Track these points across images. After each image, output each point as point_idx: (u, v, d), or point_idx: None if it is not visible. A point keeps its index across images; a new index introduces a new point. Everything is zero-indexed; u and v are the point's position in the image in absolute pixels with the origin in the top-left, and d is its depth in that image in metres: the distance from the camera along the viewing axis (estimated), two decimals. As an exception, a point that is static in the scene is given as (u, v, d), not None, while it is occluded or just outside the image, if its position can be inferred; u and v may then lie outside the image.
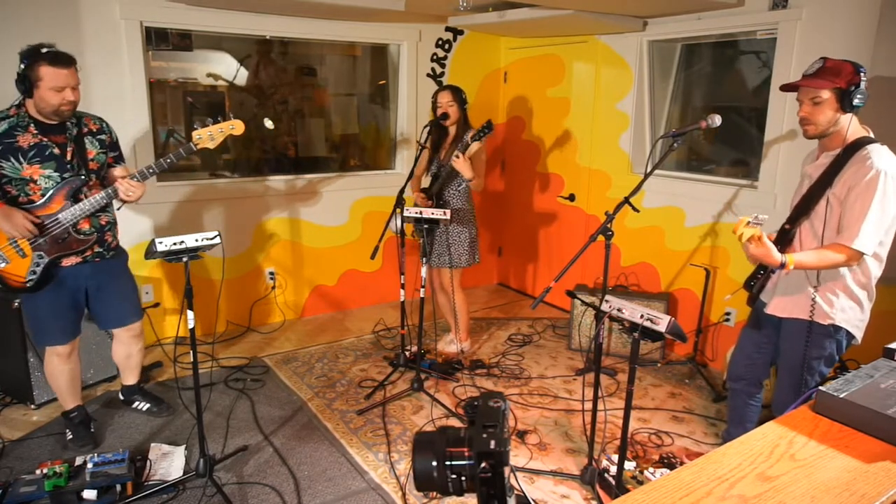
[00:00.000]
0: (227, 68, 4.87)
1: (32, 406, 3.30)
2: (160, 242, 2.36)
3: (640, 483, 2.76)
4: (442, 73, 4.97)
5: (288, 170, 4.96)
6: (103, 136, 2.85)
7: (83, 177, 2.71)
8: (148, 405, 3.29)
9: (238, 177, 4.59)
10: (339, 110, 5.42)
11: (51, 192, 2.63)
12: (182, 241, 2.39)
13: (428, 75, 4.91)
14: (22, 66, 2.52)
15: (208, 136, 2.73)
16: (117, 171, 2.89)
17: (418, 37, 4.76)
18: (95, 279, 2.87)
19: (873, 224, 2.15)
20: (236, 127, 2.78)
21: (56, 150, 2.65)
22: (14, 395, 3.37)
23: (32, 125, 2.62)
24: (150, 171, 2.70)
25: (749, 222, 2.14)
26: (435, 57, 4.91)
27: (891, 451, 1.37)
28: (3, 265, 2.62)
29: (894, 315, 3.00)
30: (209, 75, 4.84)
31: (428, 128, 3.75)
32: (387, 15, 4.20)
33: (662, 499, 1.20)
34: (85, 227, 2.75)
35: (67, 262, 2.75)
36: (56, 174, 2.65)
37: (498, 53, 5.24)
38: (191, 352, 2.54)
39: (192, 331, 2.55)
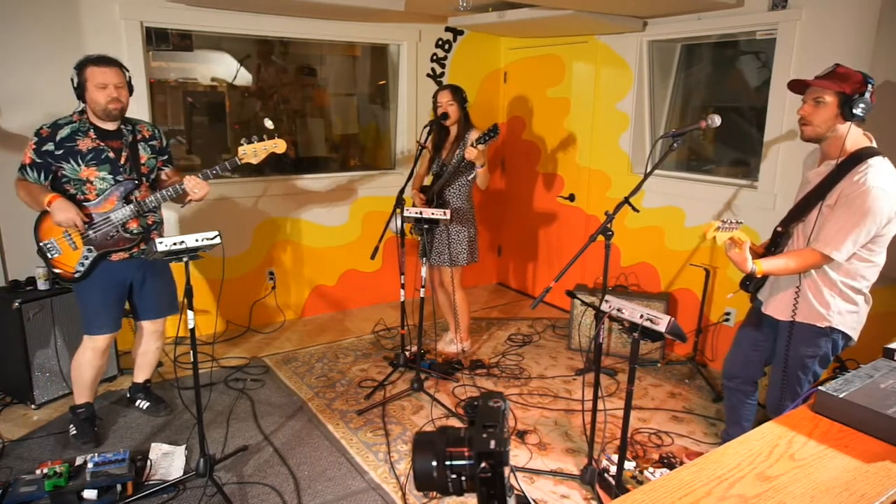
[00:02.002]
0: (227, 68, 4.87)
1: (33, 406, 3.30)
2: (160, 242, 2.37)
3: (640, 483, 2.77)
4: (442, 74, 4.97)
5: (288, 170, 4.96)
6: (154, 142, 3.01)
7: (136, 181, 2.87)
8: (148, 404, 3.31)
9: (238, 177, 4.58)
10: (339, 110, 5.42)
11: (105, 192, 2.80)
12: (182, 241, 2.40)
13: (428, 75, 4.91)
14: (74, 74, 2.72)
15: (252, 152, 2.94)
16: (167, 174, 3.07)
17: (418, 37, 4.76)
18: (141, 273, 3.02)
19: (852, 236, 2.17)
20: (279, 146, 2.98)
21: (111, 154, 2.82)
22: (14, 395, 3.37)
23: (92, 130, 2.80)
24: (213, 172, 2.88)
25: (718, 227, 2.18)
26: (435, 57, 4.91)
27: (890, 451, 1.37)
28: (56, 255, 2.81)
29: (894, 315, 3.00)
30: (213, 80, 4.85)
31: (428, 128, 3.75)
32: (387, 15, 4.20)
33: (662, 499, 1.20)
34: (133, 226, 2.89)
35: (116, 256, 2.90)
36: (110, 176, 2.82)
37: (498, 53, 5.24)
38: (191, 352, 2.54)
39: (192, 331, 2.56)
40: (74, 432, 3.02)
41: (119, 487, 2.57)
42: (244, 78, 4.94)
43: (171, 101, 4.67)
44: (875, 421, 1.41)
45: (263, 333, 4.46)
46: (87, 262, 2.83)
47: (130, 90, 2.84)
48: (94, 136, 2.79)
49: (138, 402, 3.33)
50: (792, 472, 1.29)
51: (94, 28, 3.60)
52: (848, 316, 2.34)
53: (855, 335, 2.39)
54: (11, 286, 3.38)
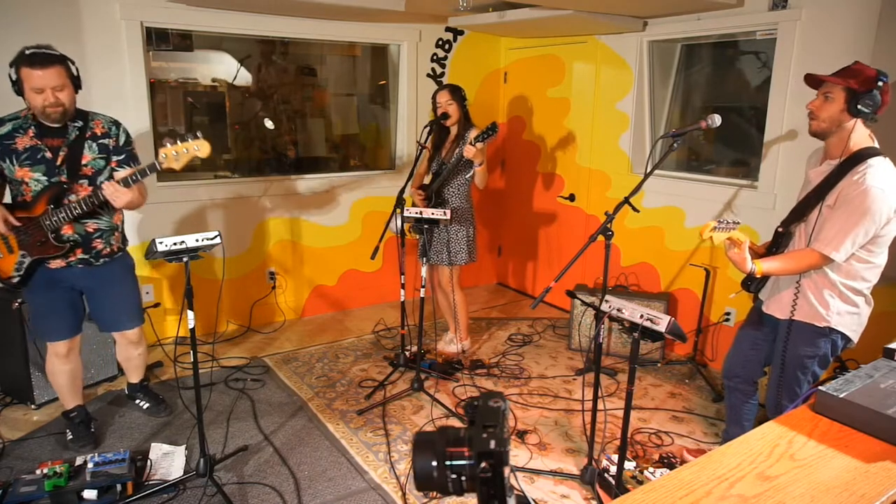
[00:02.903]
0: (227, 68, 4.87)
1: (33, 406, 3.30)
2: (160, 242, 2.36)
3: (640, 483, 2.77)
4: (442, 74, 4.97)
5: (288, 170, 4.96)
6: (107, 140, 2.77)
7: (63, 184, 2.65)
8: (148, 404, 3.30)
9: (238, 177, 4.59)
10: (339, 110, 5.42)
11: (37, 195, 2.64)
12: (182, 241, 2.39)
13: (428, 75, 4.91)
14: (10, 69, 2.52)
15: (173, 155, 2.59)
16: (120, 174, 2.78)
17: (418, 37, 4.76)
18: (87, 283, 2.86)
19: (851, 236, 2.17)
20: (201, 149, 2.62)
21: (48, 154, 2.64)
22: (14, 395, 3.37)
23: (33, 128, 2.63)
24: (133, 178, 2.62)
25: (715, 227, 2.18)
26: (435, 57, 4.91)
27: (890, 450, 1.37)
28: None
29: (894, 315, 3.00)
30: (213, 80, 4.85)
31: (428, 128, 3.75)
32: (387, 15, 4.20)
33: (662, 499, 1.20)
34: (68, 232, 2.71)
35: (54, 264, 2.74)
36: (45, 178, 2.64)
37: (498, 53, 5.24)
38: (191, 352, 2.54)
39: (193, 331, 2.55)
40: (71, 437, 2.99)
41: (119, 487, 2.57)
42: (244, 78, 4.94)
43: (171, 101, 4.67)
44: (875, 421, 1.41)
45: (263, 333, 4.46)
46: (22, 268, 2.68)
47: (77, 84, 2.60)
48: (32, 135, 2.61)
49: (138, 401, 3.32)
50: (792, 472, 1.29)
51: (95, 28, 3.60)
52: (847, 317, 2.34)
53: (855, 337, 2.39)
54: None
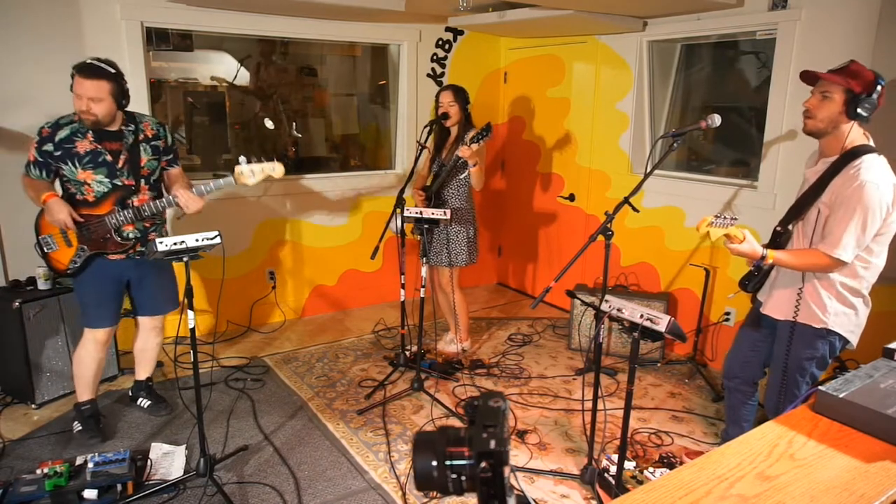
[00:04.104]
0: (227, 68, 4.87)
1: (33, 406, 3.30)
2: (161, 242, 2.37)
3: (640, 483, 2.77)
4: (442, 74, 4.97)
5: (288, 170, 4.95)
6: (158, 142, 2.95)
7: (133, 186, 2.84)
8: (150, 403, 3.31)
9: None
10: (339, 110, 5.42)
11: (102, 195, 2.79)
12: (182, 241, 2.40)
13: (428, 75, 4.91)
14: (72, 71, 2.70)
15: (250, 172, 2.89)
16: (174, 172, 3.04)
17: (418, 37, 4.76)
18: (138, 271, 3.02)
19: (853, 233, 2.16)
20: (276, 170, 2.93)
21: (109, 158, 2.79)
22: (15, 395, 3.37)
23: (91, 132, 2.77)
24: (208, 189, 2.89)
25: (712, 222, 2.18)
26: (435, 57, 4.91)
27: (890, 450, 1.37)
28: (52, 250, 2.84)
29: (894, 315, 3.00)
30: (213, 79, 4.85)
31: (428, 128, 3.76)
32: (387, 15, 4.20)
33: (662, 498, 1.20)
34: (129, 230, 2.89)
35: (112, 256, 2.91)
36: (107, 180, 2.79)
37: (498, 53, 5.24)
38: (191, 352, 2.54)
39: (193, 331, 2.56)
40: (80, 429, 3.02)
41: (119, 487, 2.58)
42: (244, 78, 4.94)
43: (171, 101, 4.67)
44: (875, 421, 1.41)
45: (263, 333, 4.46)
46: (79, 261, 2.84)
47: (119, 102, 2.73)
48: (91, 139, 2.76)
49: (140, 400, 3.33)
50: (792, 472, 1.29)
51: (95, 28, 3.60)
52: (845, 318, 2.34)
53: (853, 339, 2.38)
54: (12, 286, 3.38)
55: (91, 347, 3.00)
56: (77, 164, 2.75)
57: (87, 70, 2.64)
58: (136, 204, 2.84)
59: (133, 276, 3.02)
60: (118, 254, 2.90)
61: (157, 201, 2.85)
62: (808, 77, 2.30)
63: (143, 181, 2.89)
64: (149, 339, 3.25)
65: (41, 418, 3.23)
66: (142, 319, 3.20)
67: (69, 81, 2.70)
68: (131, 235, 2.90)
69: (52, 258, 2.86)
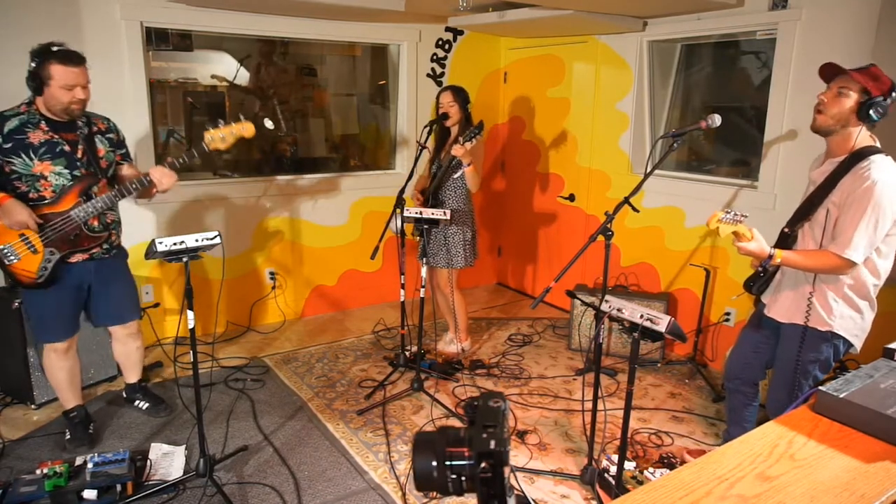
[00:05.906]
0: (227, 68, 4.87)
1: (33, 406, 3.30)
2: (160, 242, 2.36)
3: (640, 483, 2.77)
4: (442, 74, 4.97)
5: (288, 170, 4.96)
6: (111, 135, 2.88)
7: (96, 175, 2.73)
8: (148, 404, 3.30)
9: (238, 177, 4.59)
10: (339, 110, 5.42)
11: (63, 189, 2.65)
12: (182, 242, 2.39)
13: (428, 75, 4.91)
14: (33, 65, 2.55)
15: (220, 137, 2.76)
16: (125, 169, 2.92)
17: (418, 37, 4.76)
18: (98, 276, 2.90)
19: (864, 233, 2.14)
20: (246, 129, 2.79)
21: (67, 148, 2.67)
22: (14, 395, 3.37)
23: (44, 122, 2.64)
24: (181, 160, 2.75)
25: (721, 218, 2.16)
26: (435, 57, 4.91)
27: (890, 451, 1.37)
28: (15, 261, 2.63)
29: (894, 315, 3.00)
30: (213, 77, 4.85)
31: (428, 128, 3.75)
32: (387, 15, 4.20)
33: (662, 499, 1.20)
34: (94, 224, 2.77)
35: (75, 258, 2.78)
36: (66, 171, 2.67)
37: (498, 53, 5.24)
38: (191, 352, 2.54)
39: (192, 331, 2.56)
40: (69, 437, 2.98)
41: (119, 487, 2.57)
42: (244, 78, 4.94)
43: (171, 101, 4.67)
44: (875, 421, 1.41)
45: (263, 333, 4.46)
46: (49, 266, 2.66)
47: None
48: (45, 129, 2.61)
49: (137, 402, 3.32)
50: (792, 472, 1.29)
51: (95, 28, 3.60)
52: (850, 321, 2.33)
53: (857, 343, 2.37)
54: (11, 286, 3.37)
55: (54, 358, 2.89)
56: (32, 156, 2.58)
57: (72, 57, 2.55)
58: (98, 195, 2.69)
59: (94, 281, 2.87)
60: (83, 253, 2.76)
61: (125, 184, 2.68)
62: (829, 71, 2.26)
63: (102, 173, 2.77)
64: (128, 344, 3.16)
65: (41, 419, 3.23)
66: (114, 329, 3.08)
67: None
68: (98, 229, 2.78)
69: (15, 270, 2.63)
